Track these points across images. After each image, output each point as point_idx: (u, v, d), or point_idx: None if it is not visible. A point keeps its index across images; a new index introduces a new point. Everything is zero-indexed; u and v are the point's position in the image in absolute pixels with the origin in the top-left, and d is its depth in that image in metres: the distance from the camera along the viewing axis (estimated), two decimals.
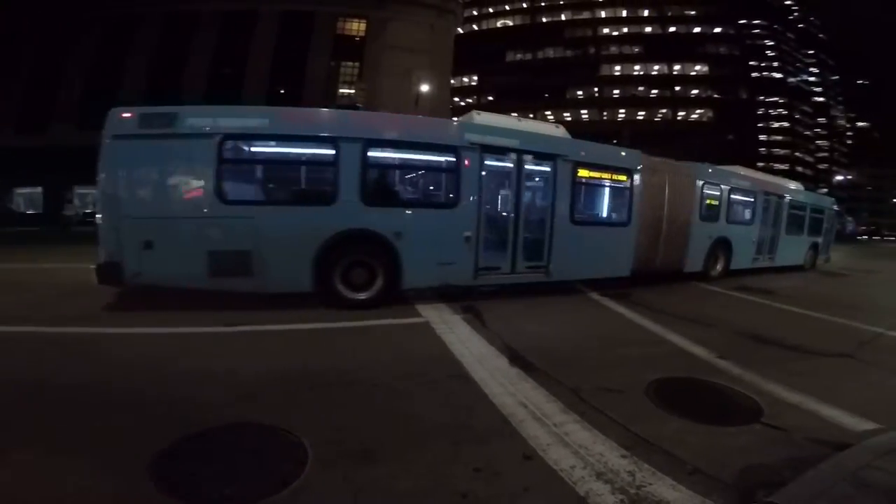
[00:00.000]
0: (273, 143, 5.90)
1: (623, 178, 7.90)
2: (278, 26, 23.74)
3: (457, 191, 6.30)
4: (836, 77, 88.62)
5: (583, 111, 68.97)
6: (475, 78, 70.35)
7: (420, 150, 6.33)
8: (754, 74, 73.34)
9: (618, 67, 69.96)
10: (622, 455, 2.63)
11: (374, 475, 2.36)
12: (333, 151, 5.72)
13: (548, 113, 68.26)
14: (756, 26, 74.48)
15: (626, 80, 69.72)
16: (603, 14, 70.62)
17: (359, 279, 5.86)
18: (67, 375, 3.48)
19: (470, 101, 70.59)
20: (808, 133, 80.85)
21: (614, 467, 2.50)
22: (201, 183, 5.44)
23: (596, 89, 69.52)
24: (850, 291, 9.97)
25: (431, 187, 6.97)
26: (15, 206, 22.39)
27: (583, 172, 7.37)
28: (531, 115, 69.48)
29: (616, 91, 69.78)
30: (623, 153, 8.45)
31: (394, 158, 6.35)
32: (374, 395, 3.34)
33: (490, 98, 70.20)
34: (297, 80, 23.40)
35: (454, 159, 6.29)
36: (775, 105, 75.69)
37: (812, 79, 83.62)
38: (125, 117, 5.36)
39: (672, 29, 70.32)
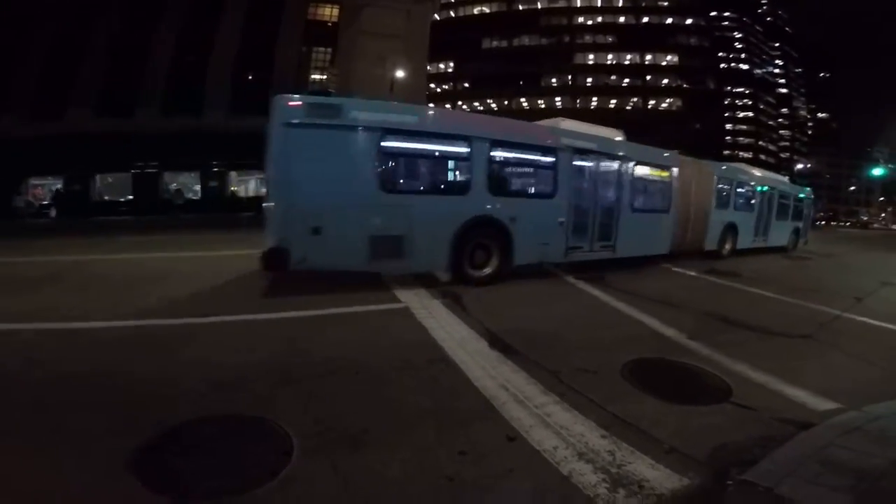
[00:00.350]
0: (422, 138, 6.51)
1: (665, 174, 9.52)
2: (245, 12, 22.70)
3: (554, 184, 7.52)
4: (800, 69, 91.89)
5: (556, 98, 69.39)
6: (451, 65, 69.67)
7: (529, 150, 7.50)
8: (722, 66, 75.26)
9: (591, 56, 70.57)
10: (602, 435, 2.70)
11: (362, 462, 2.37)
12: (468, 149, 6.64)
13: (522, 100, 68.42)
14: (726, 18, 76.19)
15: (600, 69, 70.47)
16: (578, 3, 70.80)
17: (479, 259, 6.82)
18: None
19: (446, 87, 70.03)
20: (771, 123, 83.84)
21: (595, 447, 2.57)
22: (365, 172, 5.89)
23: (570, 77, 70.01)
24: (810, 275, 10.44)
25: (536, 181, 7.91)
26: None
27: (639, 170, 8.88)
28: (506, 102, 69.52)
29: (589, 79, 70.47)
30: (665, 154, 9.83)
31: (511, 156, 7.38)
32: (357, 381, 3.33)
33: (466, 85, 69.74)
34: (266, 65, 22.52)
35: (553, 158, 7.50)
36: (741, 96, 78.03)
37: (777, 70, 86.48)
38: (294, 105, 5.60)
39: (645, 19, 71.22)
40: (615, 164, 8.46)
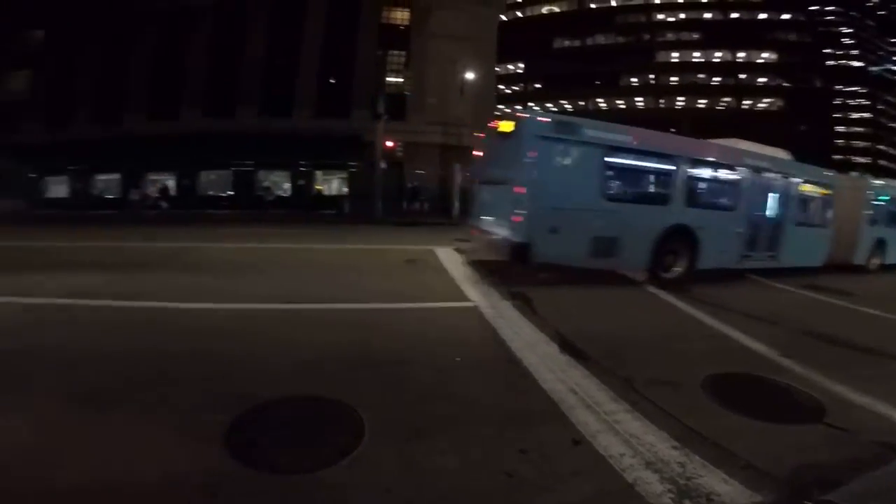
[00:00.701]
0: (636, 155, 7.39)
1: (825, 191, 9.94)
2: (325, 16, 24.07)
3: (735, 198, 8.27)
4: None
5: (637, 99, 65.87)
6: (521, 65, 68.77)
7: (718, 167, 8.23)
8: (830, 63, 66.91)
9: (675, 54, 66.07)
10: (673, 446, 2.59)
11: (425, 450, 2.46)
12: (671, 165, 7.52)
13: (599, 100, 65.82)
14: (830, 13, 67.68)
15: (685, 68, 65.74)
16: (657, 0, 66.68)
17: (669, 262, 7.58)
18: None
19: (516, 88, 69.23)
20: (892, 125, 73.03)
21: (665, 457, 2.47)
22: (593, 182, 6.89)
23: (652, 76, 66.13)
24: None
25: (721, 195, 8.51)
26: (97, 192, 24.60)
27: (804, 187, 9.47)
28: (581, 103, 67.16)
29: (674, 78, 66.03)
30: (826, 173, 10.42)
31: (703, 173, 8.12)
32: (425, 375, 3.44)
33: (538, 85, 68.38)
34: (346, 70, 23.73)
35: (736, 175, 8.28)
36: (855, 95, 68.78)
37: None
38: (544, 121, 6.76)
39: (735, 15, 65.32)
40: (784, 181, 9.01)
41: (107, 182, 24.18)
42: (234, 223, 16.01)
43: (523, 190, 6.50)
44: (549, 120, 6.79)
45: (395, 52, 24.12)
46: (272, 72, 23.53)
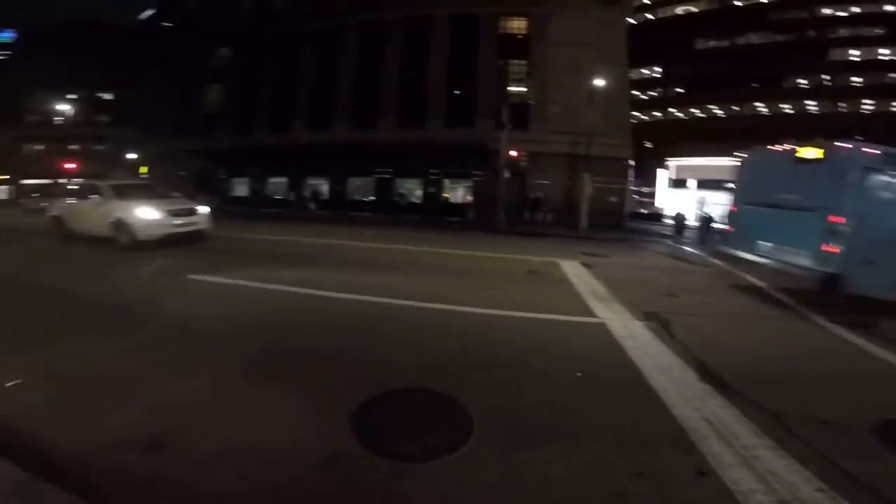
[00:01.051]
0: None
1: None
2: (449, 30, 25.21)
3: None
4: None
5: (808, 102, 56.04)
6: (658, 69, 63.39)
7: None
8: None
9: (855, 52, 54.59)
10: (819, 489, 2.38)
11: (531, 458, 2.55)
12: None
13: (758, 104, 57.57)
14: None
15: (869, 66, 53.92)
16: None
17: None
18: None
19: (654, 94, 64.13)
20: None
21: (804, 498, 2.29)
22: None
23: (827, 77, 55.65)
24: None
25: None
26: (269, 193, 29.52)
27: None
28: (735, 108, 59.29)
29: (857, 79, 54.64)
30: None
31: None
32: (542, 385, 3.53)
33: (679, 90, 62.39)
34: (470, 80, 24.56)
35: None
36: None
37: None
38: (873, 153, 6.62)
39: None
40: None
41: (276, 184, 28.76)
42: (373, 225, 17.89)
43: (841, 220, 6.31)
44: (879, 152, 6.51)
45: (516, 61, 24.26)
46: (406, 86, 25.38)
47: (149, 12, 53.38)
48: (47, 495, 1.98)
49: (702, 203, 26.41)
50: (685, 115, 56.24)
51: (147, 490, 2.22)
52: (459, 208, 23.00)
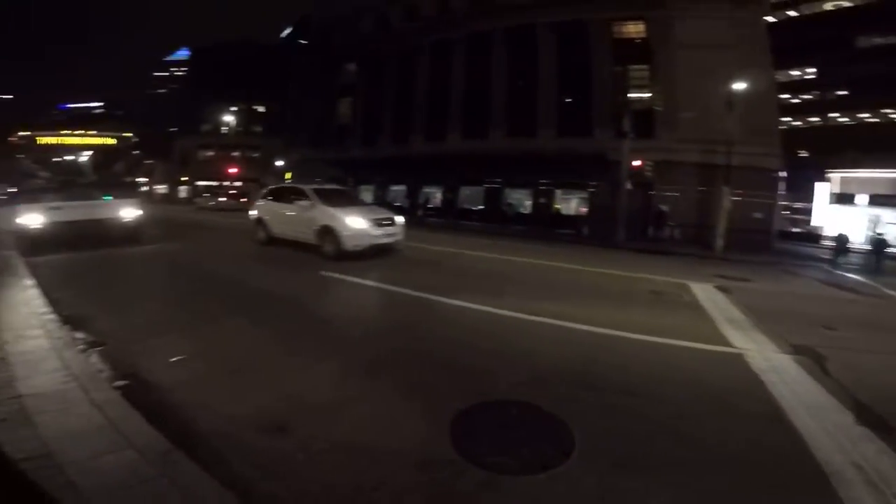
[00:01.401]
0: None
1: None
2: (557, 38, 24.34)
3: None
4: None
5: None
6: (812, 70, 54.18)
7: None
8: None
9: None
10: None
11: (631, 486, 2.42)
12: None
13: None
14: None
15: None
16: None
17: None
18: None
19: (808, 97, 55.14)
20: None
21: None
22: None
23: None
24: None
25: None
26: (389, 200, 31.74)
27: None
28: None
29: None
30: None
31: None
32: (657, 411, 3.31)
33: (841, 92, 52.73)
34: (583, 88, 23.55)
35: None
36: None
37: None
38: None
39: None
40: None
41: (396, 192, 30.79)
42: (482, 235, 18.12)
43: None
44: None
45: (636, 66, 22.68)
46: (516, 95, 25.24)
47: (287, 31, 61.19)
48: (181, 465, 2.26)
49: (874, 222, 22.04)
50: (852, 120, 47.53)
51: (265, 470, 2.48)
52: (572, 220, 22.24)
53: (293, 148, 37.92)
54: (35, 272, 7.28)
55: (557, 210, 24.10)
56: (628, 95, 22.17)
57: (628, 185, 18.86)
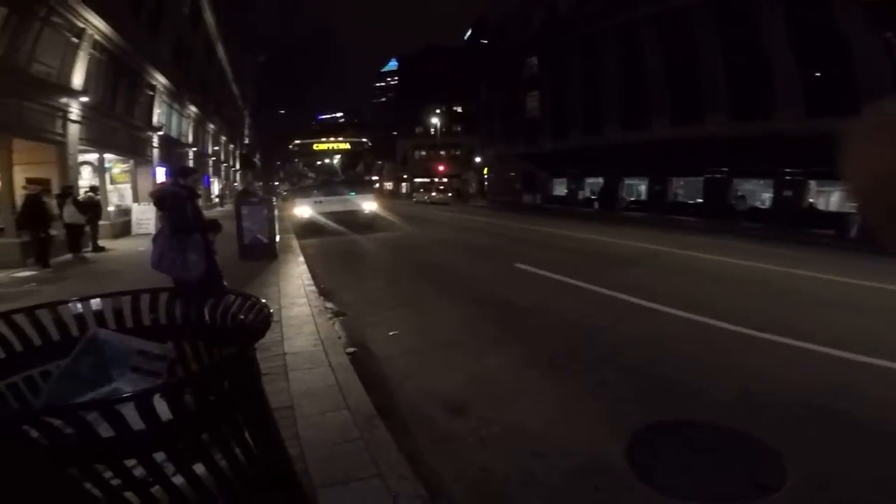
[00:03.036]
0: None
1: None
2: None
3: None
4: None
5: None
6: None
7: None
8: None
9: None
10: None
11: None
12: None
13: None
14: None
15: None
16: None
17: None
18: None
19: None
20: None
21: None
22: None
23: None
24: None
25: None
26: (581, 194, 30.47)
27: None
28: None
29: None
30: None
31: None
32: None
33: None
34: (841, 60, 17.24)
35: None
36: None
37: None
38: None
39: None
40: None
41: (592, 185, 29.20)
42: (699, 232, 15.61)
43: None
44: None
45: None
46: (737, 71, 20.72)
47: (468, 33, 63.65)
48: (378, 431, 2.58)
49: None
50: None
51: (437, 445, 2.70)
52: (833, 218, 17.01)
53: (488, 145, 39.70)
54: (305, 252, 9.60)
55: (811, 205, 18.86)
56: None
57: None
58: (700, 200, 22.84)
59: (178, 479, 1.07)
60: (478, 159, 46.06)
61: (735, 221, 18.94)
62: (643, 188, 25.91)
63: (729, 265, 8.81)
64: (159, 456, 1.05)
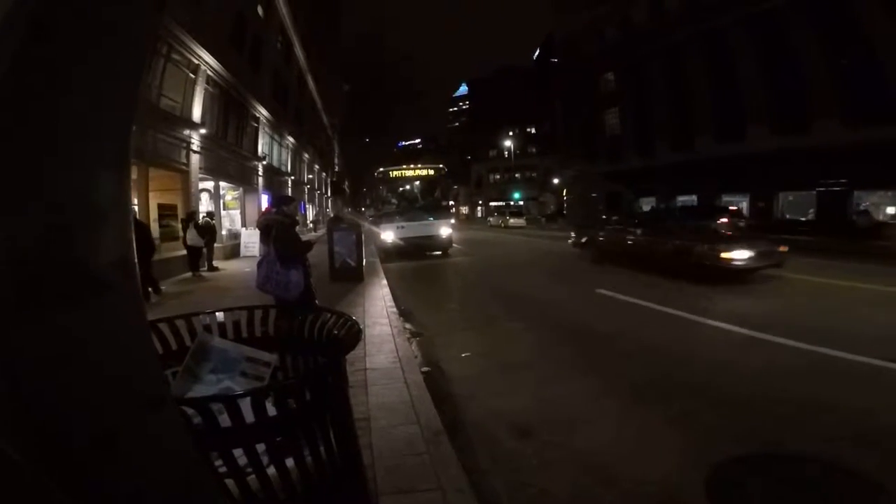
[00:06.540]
0: None
1: None
2: None
3: None
4: None
5: None
6: None
7: None
8: None
9: None
10: None
11: None
12: None
13: None
14: None
15: None
16: None
17: None
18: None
19: None
20: None
21: None
22: None
23: None
24: None
25: None
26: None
27: None
28: None
29: None
30: None
31: None
32: None
33: None
34: None
35: None
36: None
37: None
38: None
39: None
40: None
41: (684, 202, 27.16)
42: (811, 253, 13.57)
43: None
44: None
45: None
46: (846, 75, 18.35)
47: (537, 52, 62.45)
48: (443, 447, 2.70)
49: None
50: None
51: (499, 464, 2.73)
52: None
53: (566, 165, 38.73)
54: (387, 274, 10.14)
55: None
56: None
57: None
58: (811, 216, 20.26)
59: (271, 471, 1.28)
60: (555, 180, 45.22)
61: (855, 240, 16.38)
62: (745, 205, 23.50)
63: (841, 289, 7.61)
64: (259, 448, 1.27)
